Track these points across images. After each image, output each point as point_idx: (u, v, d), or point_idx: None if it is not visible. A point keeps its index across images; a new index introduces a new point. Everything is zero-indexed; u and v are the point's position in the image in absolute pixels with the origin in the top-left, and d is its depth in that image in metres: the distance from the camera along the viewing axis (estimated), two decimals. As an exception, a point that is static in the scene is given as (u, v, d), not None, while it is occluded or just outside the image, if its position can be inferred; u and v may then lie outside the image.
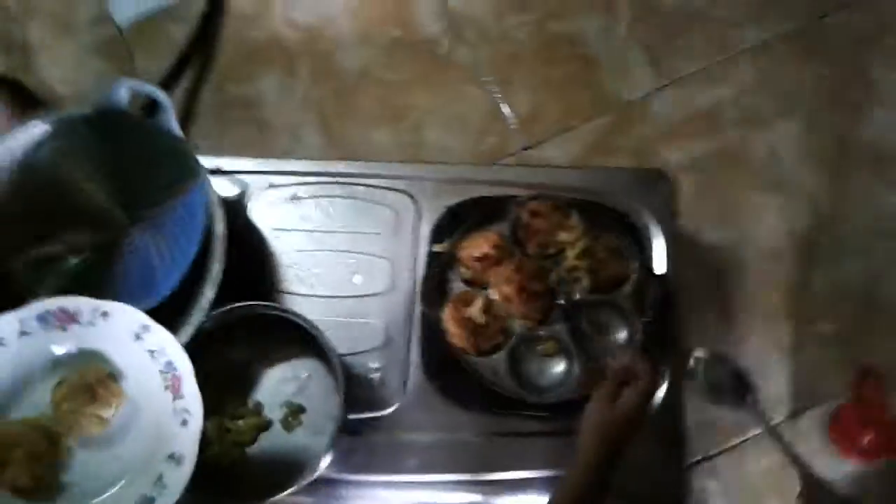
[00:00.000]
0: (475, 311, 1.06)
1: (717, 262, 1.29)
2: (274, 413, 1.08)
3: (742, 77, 1.47)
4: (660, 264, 1.13)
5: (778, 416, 1.25)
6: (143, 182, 1.10)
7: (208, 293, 1.06)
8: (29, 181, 1.07)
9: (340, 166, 1.25)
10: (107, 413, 0.93)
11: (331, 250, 1.19)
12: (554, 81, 1.49)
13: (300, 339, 1.10)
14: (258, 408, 1.07)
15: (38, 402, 0.95)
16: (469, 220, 1.14)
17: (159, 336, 0.94)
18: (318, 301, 1.15)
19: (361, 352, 1.11)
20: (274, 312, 1.07)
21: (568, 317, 1.07)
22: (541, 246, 1.10)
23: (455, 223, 1.17)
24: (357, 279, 1.17)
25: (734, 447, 1.22)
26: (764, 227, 1.37)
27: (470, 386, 1.10)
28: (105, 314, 0.94)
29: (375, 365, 1.12)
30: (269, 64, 1.55)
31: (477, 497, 1.06)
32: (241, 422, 1.06)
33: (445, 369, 1.11)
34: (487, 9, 1.55)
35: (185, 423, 0.91)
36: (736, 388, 1.15)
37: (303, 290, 1.16)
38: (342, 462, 1.04)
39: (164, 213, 1.08)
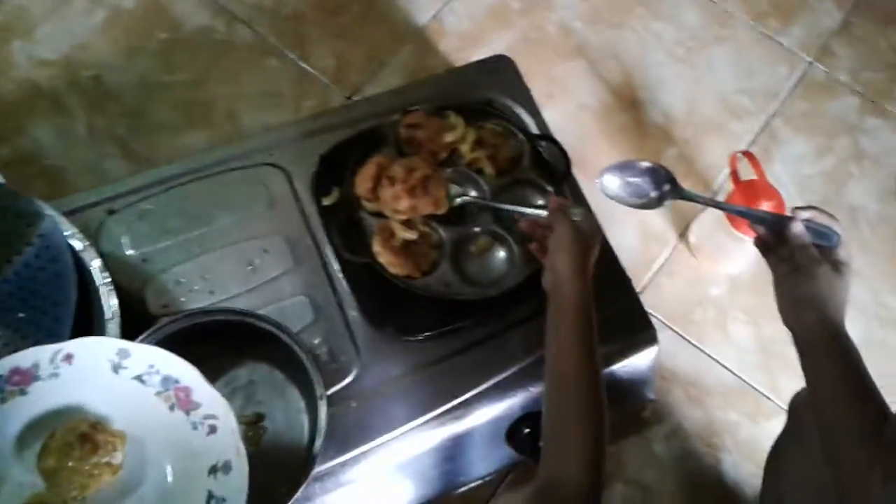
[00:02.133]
0: (404, 232, 1.01)
1: (564, 132, 1.33)
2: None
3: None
4: (540, 129, 1.16)
5: (671, 243, 1.33)
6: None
7: (112, 331, 0.90)
8: None
9: (182, 165, 1.12)
10: (116, 458, 0.77)
11: (213, 250, 1.06)
12: (346, 28, 1.45)
13: (224, 347, 0.98)
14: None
15: (23, 484, 0.78)
16: (350, 160, 1.08)
17: (143, 355, 0.80)
18: (226, 303, 1.02)
19: (296, 333, 1.00)
20: (216, 318, 0.94)
21: (486, 207, 1.05)
22: (432, 154, 1.07)
23: (333, 171, 1.10)
24: (256, 265, 1.05)
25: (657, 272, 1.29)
26: (586, 90, 1.45)
27: (419, 316, 1.04)
28: (69, 357, 0.79)
29: (317, 340, 1.02)
30: (34, 111, 1.33)
31: (471, 417, 1.02)
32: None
33: (388, 312, 1.05)
34: (247, -19, 1.47)
35: (213, 429, 0.80)
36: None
37: (204, 301, 1.02)
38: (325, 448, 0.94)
39: (12, 274, 0.90)
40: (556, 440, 0.80)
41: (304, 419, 0.96)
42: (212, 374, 0.97)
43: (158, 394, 0.79)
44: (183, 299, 1.03)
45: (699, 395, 1.21)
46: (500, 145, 1.08)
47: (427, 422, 0.99)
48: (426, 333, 1.02)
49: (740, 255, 1.25)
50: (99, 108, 1.35)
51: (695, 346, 1.24)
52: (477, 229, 1.05)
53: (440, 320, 1.03)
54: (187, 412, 0.80)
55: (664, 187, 0.91)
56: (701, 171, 1.39)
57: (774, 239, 0.85)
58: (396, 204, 1.00)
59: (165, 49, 1.41)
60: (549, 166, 1.10)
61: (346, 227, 1.04)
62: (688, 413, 1.19)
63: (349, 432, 0.97)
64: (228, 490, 0.78)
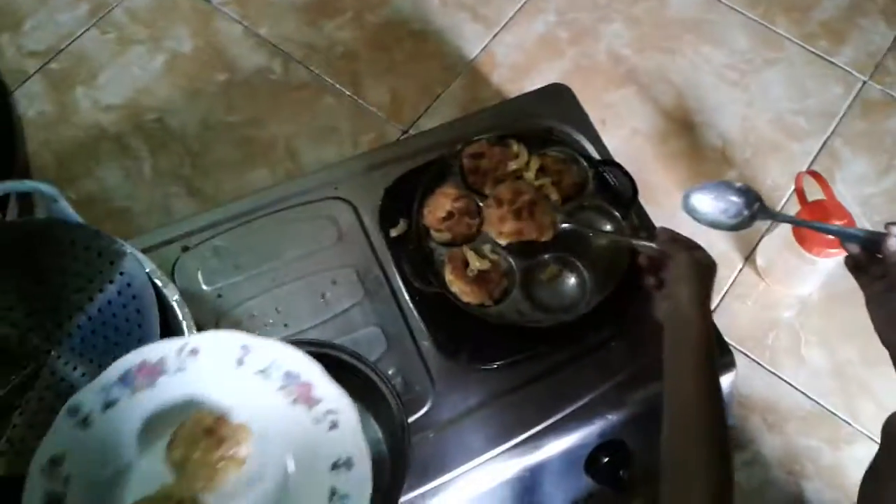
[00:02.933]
0: (476, 261, 1.01)
1: (621, 159, 1.34)
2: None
3: (556, 1, 1.56)
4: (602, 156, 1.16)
5: (737, 266, 1.32)
6: (54, 291, 0.92)
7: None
8: None
9: (251, 202, 1.14)
10: (240, 451, 0.77)
11: (284, 283, 1.07)
12: (399, 64, 1.48)
13: None
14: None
15: (150, 474, 0.77)
16: (417, 191, 1.09)
17: (266, 351, 0.80)
18: (300, 336, 1.03)
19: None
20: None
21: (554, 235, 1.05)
22: (497, 183, 1.08)
23: (398, 203, 1.11)
24: (329, 298, 1.06)
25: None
26: (639, 116, 1.46)
27: (492, 345, 1.04)
28: (194, 351, 0.79)
29: (391, 371, 1.02)
30: (100, 154, 1.38)
31: (549, 446, 1.01)
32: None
33: (461, 341, 1.04)
34: (299, 23, 1.51)
35: (334, 424, 0.78)
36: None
37: (279, 334, 1.03)
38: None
39: (96, 307, 0.92)
40: (680, 470, 0.79)
41: (383, 449, 0.95)
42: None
43: (281, 388, 0.79)
44: (258, 333, 1.03)
45: (777, 422, 1.18)
46: (563, 172, 1.08)
47: (504, 452, 0.98)
48: (500, 362, 1.01)
49: (811, 277, 1.23)
50: (163, 149, 1.39)
51: (769, 370, 1.22)
52: (546, 256, 1.05)
53: (514, 348, 1.02)
54: (309, 407, 0.79)
55: (755, 206, 0.89)
56: (764, 192, 1.37)
57: (867, 257, 0.84)
58: (501, 226, 1.01)
59: (224, 90, 1.45)
60: (615, 191, 1.09)
61: (416, 258, 1.04)
62: (767, 440, 1.16)
63: (426, 463, 0.96)
64: (352, 486, 0.77)
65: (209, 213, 1.13)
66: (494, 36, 1.52)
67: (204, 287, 1.07)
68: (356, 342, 1.04)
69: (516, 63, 1.49)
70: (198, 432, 0.76)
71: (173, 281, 1.07)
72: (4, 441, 0.85)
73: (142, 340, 0.93)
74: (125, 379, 0.79)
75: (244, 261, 1.09)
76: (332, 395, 0.80)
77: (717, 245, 1.33)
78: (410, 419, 0.99)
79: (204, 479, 0.76)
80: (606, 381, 1.02)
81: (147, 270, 0.95)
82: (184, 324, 0.94)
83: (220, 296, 1.07)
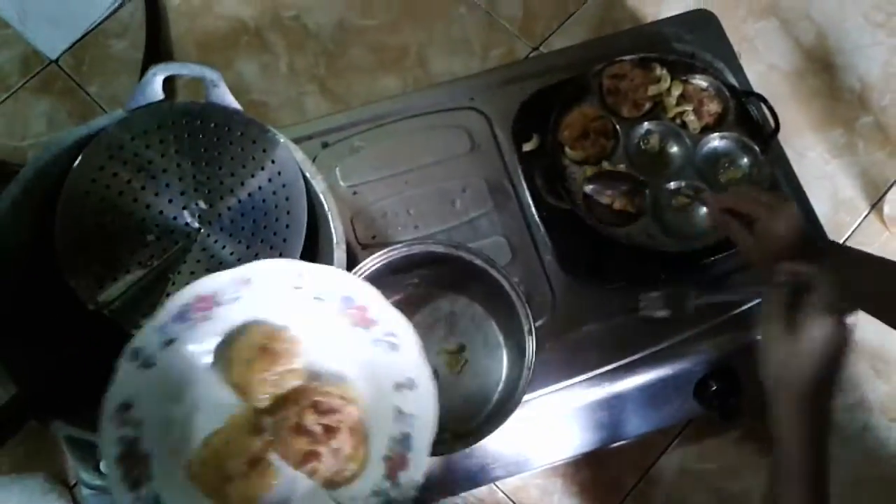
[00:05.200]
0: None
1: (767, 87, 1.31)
2: (435, 362, 1.00)
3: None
4: (743, 88, 1.14)
5: (862, 213, 1.30)
6: (209, 172, 0.98)
7: (339, 255, 0.96)
8: (73, 210, 0.93)
9: (388, 105, 1.17)
10: (297, 363, 0.81)
11: (417, 187, 1.11)
12: (534, -22, 1.47)
13: (425, 278, 1.03)
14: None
15: (220, 404, 0.82)
16: (553, 108, 1.10)
17: (319, 274, 0.81)
18: (428, 237, 1.08)
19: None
20: (434, 250, 0.96)
21: (690, 161, 1.06)
22: (636, 106, 1.08)
23: (532, 118, 1.13)
24: (458, 205, 1.10)
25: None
26: (777, 50, 1.42)
27: (614, 265, 1.07)
28: (247, 281, 0.81)
29: (514, 280, 1.05)
30: (239, 47, 1.43)
31: (661, 368, 1.03)
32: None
33: (584, 258, 1.07)
34: (437, -69, 1.50)
35: (393, 346, 0.81)
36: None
37: (409, 235, 1.08)
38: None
39: (247, 195, 0.98)
40: None
41: (503, 353, 1.01)
42: (417, 303, 1.06)
43: (340, 312, 0.82)
44: (389, 231, 1.09)
45: (885, 370, 1.18)
46: (704, 100, 1.08)
47: (616, 368, 1.02)
48: (622, 282, 1.04)
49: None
50: (299, 48, 1.43)
51: (882, 320, 1.21)
52: (681, 183, 1.05)
53: (636, 271, 1.04)
54: (367, 329, 0.81)
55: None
56: (896, 142, 1.34)
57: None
58: None
59: (359, -7, 1.47)
60: (755, 124, 1.08)
61: (550, 173, 1.07)
62: (873, 386, 1.17)
63: (538, 372, 0.98)
64: (417, 407, 0.79)
65: (349, 113, 1.17)
66: (635, -46, 1.48)
67: (341, 183, 1.12)
68: (482, 249, 1.06)
69: (653, -17, 1.46)
70: (252, 351, 0.80)
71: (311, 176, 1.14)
72: (159, 308, 0.93)
73: (290, 227, 0.99)
74: (182, 315, 0.80)
75: (380, 161, 1.14)
76: (389, 317, 0.81)
77: (844, 188, 1.31)
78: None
79: (267, 394, 0.80)
80: (723, 313, 1.04)
81: (298, 160, 1.01)
82: (329, 213, 0.99)
83: (355, 193, 1.12)
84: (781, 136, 1.30)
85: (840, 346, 0.71)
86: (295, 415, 0.80)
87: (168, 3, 1.46)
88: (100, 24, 1.45)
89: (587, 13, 1.43)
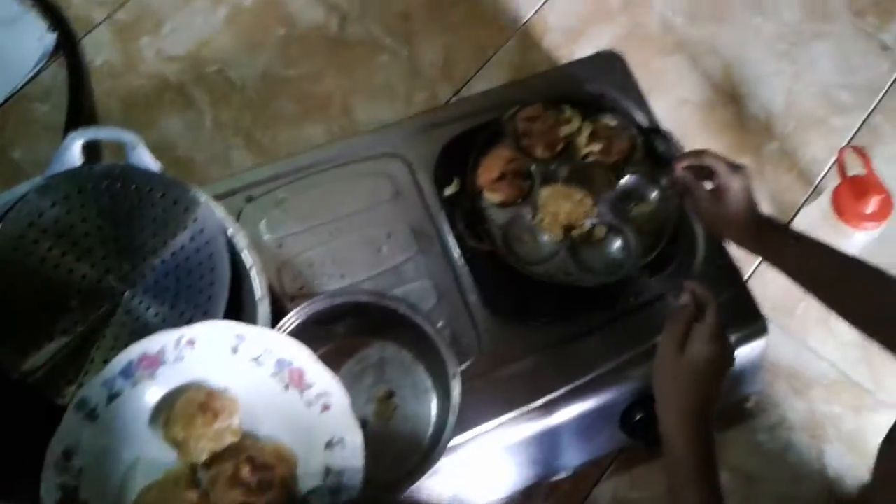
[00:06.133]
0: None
1: (666, 126, 1.37)
2: (364, 411, 1.01)
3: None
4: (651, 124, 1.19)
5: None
6: (131, 234, 0.99)
7: (263, 310, 0.98)
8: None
9: (312, 156, 1.19)
10: (235, 422, 0.84)
11: (342, 236, 1.13)
12: (453, 25, 1.51)
13: (355, 327, 1.04)
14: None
15: (157, 459, 0.85)
16: (471, 152, 1.13)
17: (260, 339, 0.86)
18: (356, 287, 1.09)
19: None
20: (355, 299, 1.00)
21: (603, 197, 1.10)
22: (549, 147, 1.12)
23: (453, 163, 1.16)
24: (384, 252, 1.12)
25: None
26: (686, 84, 1.48)
27: (537, 302, 1.10)
28: (191, 342, 0.85)
29: (440, 323, 1.08)
30: (163, 105, 1.44)
31: (587, 401, 1.06)
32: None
33: (508, 297, 1.10)
34: (357, -20, 1.54)
35: (326, 407, 0.85)
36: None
37: (336, 284, 1.10)
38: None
39: (169, 255, 0.98)
40: None
41: (432, 397, 1.02)
42: (345, 353, 1.07)
43: (273, 374, 0.86)
44: (316, 282, 1.11)
45: (802, 388, 1.23)
46: (613, 138, 1.13)
47: (543, 405, 1.04)
48: (544, 319, 1.07)
49: (846, 250, 1.26)
50: (224, 102, 1.44)
51: (798, 339, 1.26)
52: (595, 220, 1.10)
53: (558, 307, 1.08)
54: (301, 391, 0.86)
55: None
56: (803, 166, 1.40)
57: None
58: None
59: (284, 44, 1.49)
60: (662, 158, 1.14)
61: (469, 216, 1.10)
62: (792, 405, 1.21)
63: (469, 413, 1.00)
64: (345, 463, 0.83)
65: (273, 166, 1.19)
66: (547, 0, 1.54)
67: (266, 237, 1.14)
68: (408, 294, 1.10)
69: (567, 27, 1.51)
70: (192, 409, 0.83)
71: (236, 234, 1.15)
72: (83, 374, 0.93)
73: (213, 284, 1.00)
74: (126, 371, 0.84)
75: (305, 212, 1.15)
76: (322, 379, 0.86)
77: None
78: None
79: (207, 452, 0.83)
80: (645, 342, 1.07)
81: (220, 218, 1.02)
82: (252, 270, 1.01)
83: (281, 245, 1.13)
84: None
85: (720, 368, 0.86)
86: (231, 467, 0.83)
87: (91, 64, 1.46)
88: (21, 88, 1.45)
89: (505, 56, 1.48)
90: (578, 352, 1.07)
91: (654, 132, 1.15)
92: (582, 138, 1.12)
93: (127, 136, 0.99)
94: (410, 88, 1.45)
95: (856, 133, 1.44)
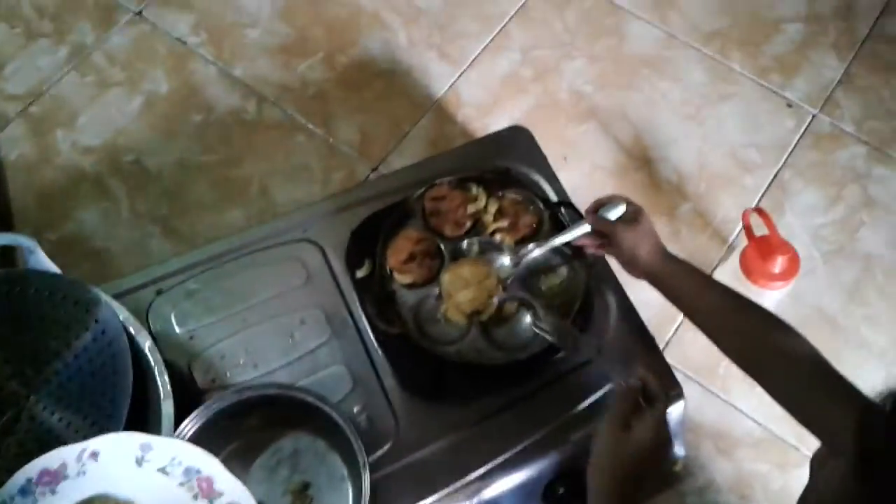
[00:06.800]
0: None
1: (580, 192, 1.39)
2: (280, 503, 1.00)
3: (519, 40, 1.62)
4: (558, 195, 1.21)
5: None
6: (33, 339, 0.97)
7: (167, 409, 0.96)
8: None
9: (223, 245, 1.18)
10: None
11: (254, 325, 1.12)
12: (368, 103, 1.54)
13: (268, 419, 1.03)
14: (262, 509, 1.00)
15: None
16: (380, 233, 1.14)
17: (166, 448, 0.84)
18: (267, 377, 1.07)
19: (336, 402, 1.06)
20: (263, 393, 1.00)
21: (511, 273, 1.10)
22: (458, 225, 1.13)
23: (364, 244, 1.17)
24: (297, 338, 1.11)
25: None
26: (599, 150, 1.52)
27: (452, 382, 1.09)
28: (94, 455, 0.82)
29: (356, 408, 1.07)
30: (79, 196, 1.43)
31: (507, 478, 1.05)
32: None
33: (422, 378, 1.09)
34: (273, 65, 1.57)
35: None
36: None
37: (249, 374, 1.08)
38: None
39: (73, 354, 0.96)
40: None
41: (348, 486, 1.00)
42: (258, 446, 1.05)
43: (181, 484, 0.84)
44: (228, 374, 1.08)
45: (728, 448, 1.24)
46: (520, 213, 1.14)
47: (464, 485, 1.02)
48: (459, 398, 1.06)
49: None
50: (140, 190, 1.44)
51: (721, 398, 1.28)
52: (504, 296, 1.10)
53: (473, 385, 1.07)
54: (210, 500, 0.84)
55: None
56: (716, 226, 1.44)
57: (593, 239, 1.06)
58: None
59: (200, 131, 1.50)
60: (568, 230, 1.15)
61: (380, 299, 1.10)
62: (719, 466, 1.22)
63: (390, 497, 1.00)
64: None
65: (182, 257, 1.18)
66: (460, 75, 1.58)
67: (177, 329, 1.12)
68: (323, 381, 1.09)
69: (481, 101, 1.55)
70: None
71: (148, 324, 1.13)
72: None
73: (116, 386, 0.98)
74: (25, 490, 0.82)
75: (216, 303, 1.14)
76: (232, 487, 0.85)
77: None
78: (375, 455, 1.04)
79: None
80: (562, 414, 1.07)
81: (121, 318, 1.01)
82: (156, 368, 0.99)
83: (192, 338, 1.11)
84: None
85: (658, 455, 0.91)
86: None
87: (5, 158, 1.45)
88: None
89: (421, 132, 1.51)
90: (497, 429, 1.05)
91: (560, 205, 1.16)
92: (489, 215, 1.13)
93: (24, 241, 0.98)
94: (328, 167, 1.47)
95: (766, 190, 1.49)
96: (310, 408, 0.99)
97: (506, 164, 1.24)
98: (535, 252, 1.10)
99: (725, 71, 1.60)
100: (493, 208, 1.14)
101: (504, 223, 1.13)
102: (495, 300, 1.07)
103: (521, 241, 1.13)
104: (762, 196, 1.47)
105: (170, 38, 1.59)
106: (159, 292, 1.14)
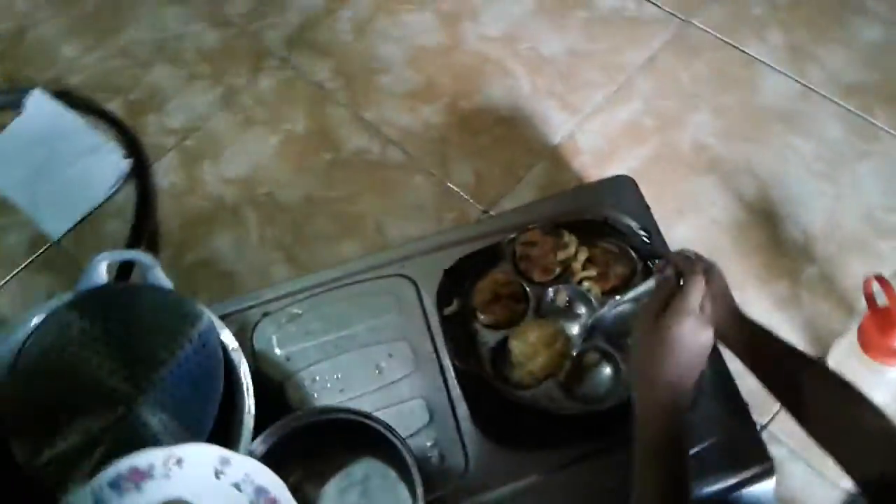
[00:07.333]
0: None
1: (695, 248, 1.34)
2: (346, 527, 1.04)
3: (643, 90, 1.61)
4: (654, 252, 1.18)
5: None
6: (144, 346, 1.08)
7: (248, 423, 1.03)
8: (25, 379, 1.04)
9: (327, 274, 1.26)
10: None
11: (346, 352, 1.17)
12: (486, 148, 1.58)
13: (343, 442, 1.07)
14: (325, 530, 1.03)
15: None
16: (471, 274, 1.17)
17: (242, 465, 0.91)
18: (351, 403, 1.12)
19: (410, 435, 1.08)
20: (321, 417, 1.04)
21: (598, 324, 1.08)
22: (545, 272, 1.14)
23: (456, 283, 1.19)
24: (382, 368, 1.16)
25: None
26: (718, 205, 1.46)
27: (526, 427, 1.08)
28: (179, 461, 0.90)
29: (429, 443, 1.09)
30: (215, 223, 1.57)
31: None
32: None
33: (497, 421, 1.09)
34: (400, 110, 1.66)
35: None
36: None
37: (334, 398, 1.13)
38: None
39: (176, 364, 1.06)
40: None
41: (409, 515, 1.02)
42: (333, 468, 1.09)
43: (251, 502, 0.90)
44: (316, 395, 1.15)
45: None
46: (609, 263, 1.13)
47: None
48: (532, 445, 1.06)
49: (878, 387, 1.18)
50: (270, 221, 1.57)
51: (829, 480, 1.17)
52: (582, 347, 1.08)
53: (547, 433, 1.05)
54: None
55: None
56: (843, 291, 1.34)
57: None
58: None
59: (328, 168, 1.62)
60: (642, 284, 1.10)
61: (460, 337, 1.12)
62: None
63: None
64: None
65: (289, 283, 1.26)
66: (579, 123, 1.58)
67: (277, 350, 1.19)
68: (402, 412, 1.12)
69: (598, 149, 1.55)
70: None
71: (251, 342, 1.22)
72: (86, 473, 1.00)
73: (206, 397, 1.07)
74: (115, 483, 0.90)
75: (314, 328, 1.21)
76: None
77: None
78: (441, 492, 1.04)
79: None
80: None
81: (221, 335, 1.10)
82: (246, 388, 1.07)
83: (288, 359, 1.19)
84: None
85: (693, 341, 0.83)
86: None
87: (158, 186, 1.63)
88: (100, 206, 1.63)
89: (535, 177, 1.53)
90: (568, 481, 1.04)
91: (654, 257, 1.14)
92: (577, 264, 1.12)
93: (144, 258, 1.10)
94: (442, 208, 1.52)
95: (904, 257, 1.37)
96: (381, 437, 1.03)
97: (606, 213, 1.23)
98: (606, 309, 1.07)
99: (866, 127, 1.49)
100: (582, 256, 1.13)
101: (593, 272, 1.12)
102: (567, 362, 1.06)
103: (611, 292, 1.11)
104: (900, 264, 1.35)
105: (310, 82, 1.73)
106: (266, 314, 1.23)
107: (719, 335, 0.93)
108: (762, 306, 1.34)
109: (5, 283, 1.57)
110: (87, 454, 0.99)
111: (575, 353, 1.07)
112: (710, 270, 0.91)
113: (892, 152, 1.47)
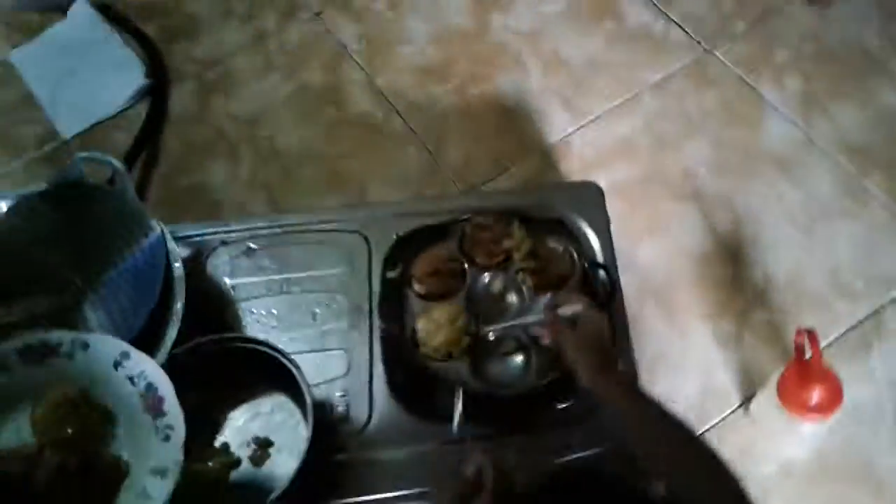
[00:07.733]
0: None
1: (654, 270, 1.36)
2: (242, 451, 1.08)
3: (648, 109, 1.62)
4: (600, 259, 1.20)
5: (731, 406, 1.30)
6: (100, 245, 1.15)
7: (171, 332, 1.09)
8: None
9: (289, 218, 1.31)
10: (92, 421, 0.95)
11: (288, 294, 1.23)
12: (482, 134, 1.61)
13: (260, 374, 1.11)
14: (225, 448, 1.08)
15: (21, 431, 0.97)
16: (420, 243, 1.21)
17: (139, 361, 0.97)
18: (278, 339, 1.16)
19: (326, 381, 1.13)
20: (242, 345, 1.09)
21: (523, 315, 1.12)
22: (488, 255, 1.17)
23: (405, 250, 1.24)
24: (317, 315, 1.21)
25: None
26: (689, 233, 1.47)
27: (434, 397, 1.12)
28: (85, 345, 0.97)
29: (339, 393, 1.13)
30: (213, 154, 1.64)
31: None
32: (209, 463, 1.06)
33: (407, 385, 1.13)
34: (412, 82, 1.70)
35: (167, 438, 0.93)
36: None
37: (263, 333, 1.19)
38: (312, 486, 1.02)
39: (123, 268, 1.13)
40: None
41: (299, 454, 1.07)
42: (244, 396, 1.14)
43: (141, 395, 0.96)
44: (248, 327, 1.20)
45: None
46: (549, 260, 1.16)
47: (407, 496, 1.04)
48: (434, 415, 1.09)
49: (791, 441, 1.18)
50: (263, 162, 1.63)
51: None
52: (506, 334, 1.11)
53: (447, 407, 1.09)
54: (154, 417, 0.95)
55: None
56: (787, 343, 1.32)
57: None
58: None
59: (330, 124, 1.67)
60: (595, 293, 1.14)
61: (392, 300, 1.16)
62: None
63: (343, 483, 1.05)
64: (157, 491, 0.91)
65: (252, 219, 1.31)
66: (578, 128, 1.60)
67: (225, 279, 1.25)
68: (323, 359, 1.17)
69: (589, 156, 1.57)
70: (59, 400, 0.94)
71: (203, 266, 1.26)
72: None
73: (141, 306, 1.11)
74: (22, 352, 0.98)
75: (265, 265, 1.26)
76: (174, 413, 0.95)
77: (717, 380, 1.31)
78: (336, 437, 1.09)
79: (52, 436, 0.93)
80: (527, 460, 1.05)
81: (169, 249, 1.16)
82: (177, 298, 1.12)
83: (234, 289, 1.24)
84: (667, 316, 1.33)
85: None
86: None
87: (171, 108, 1.71)
88: (111, 117, 1.71)
89: (521, 171, 1.56)
90: (462, 456, 1.07)
91: (597, 266, 1.16)
92: (519, 254, 1.15)
93: (116, 165, 1.16)
94: (425, 182, 1.56)
95: (858, 324, 1.35)
96: (292, 375, 1.07)
97: (563, 214, 1.25)
98: (494, 329, 1.11)
99: (858, 189, 1.48)
100: (525, 247, 1.16)
101: (532, 264, 1.15)
102: (467, 338, 1.10)
103: (546, 288, 1.14)
104: (852, 328, 1.34)
105: (335, 41, 1.78)
106: (224, 243, 1.28)
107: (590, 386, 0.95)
108: (702, 339, 1.35)
109: (12, 167, 1.67)
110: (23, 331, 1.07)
111: (492, 338, 1.11)
112: (588, 320, 0.99)
113: (877, 219, 1.45)
